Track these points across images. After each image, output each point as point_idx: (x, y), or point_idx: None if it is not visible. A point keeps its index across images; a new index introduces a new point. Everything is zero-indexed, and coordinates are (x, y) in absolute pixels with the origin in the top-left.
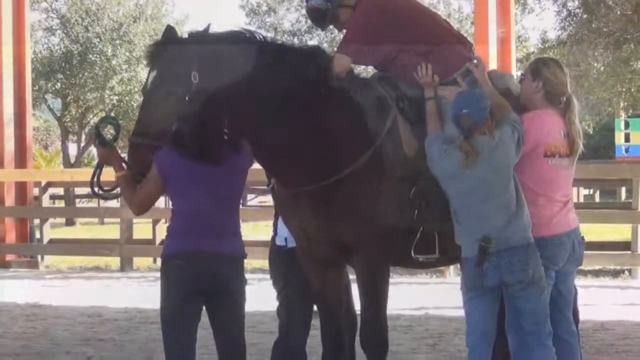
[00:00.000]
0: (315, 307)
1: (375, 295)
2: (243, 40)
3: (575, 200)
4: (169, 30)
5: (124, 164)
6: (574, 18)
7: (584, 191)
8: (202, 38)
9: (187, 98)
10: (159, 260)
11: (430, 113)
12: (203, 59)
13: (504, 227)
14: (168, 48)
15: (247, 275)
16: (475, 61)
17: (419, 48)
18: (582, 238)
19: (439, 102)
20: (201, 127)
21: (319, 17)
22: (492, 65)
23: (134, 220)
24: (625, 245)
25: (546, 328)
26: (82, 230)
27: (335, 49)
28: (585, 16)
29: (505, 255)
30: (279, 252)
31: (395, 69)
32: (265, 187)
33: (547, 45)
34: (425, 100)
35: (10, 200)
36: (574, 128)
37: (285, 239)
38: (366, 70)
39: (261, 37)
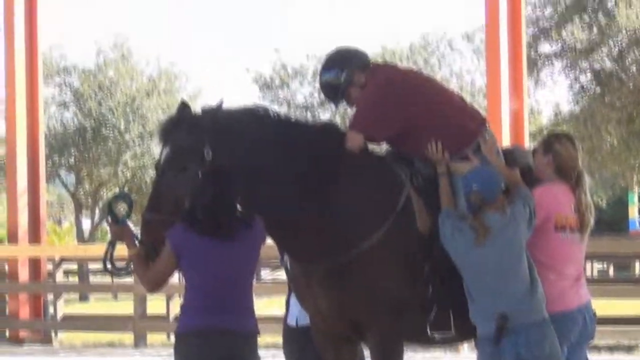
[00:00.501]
0: None
1: None
2: (256, 116)
3: (589, 274)
4: (183, 106)
5: (136, 241)
6: (587, 92)
7: (598, 265)
8: (214, 113)
9: (199, 174)
10: (172, 336)
11: (442, 189)
12: (216, 135)
13: (518, 304)
14: (181, 123)
15: (261, 352)
16: (486, 137)
17: (428, 124)
18: (594, 313)
19: (452, 178)
20: (214, 203)
21: (331, 93)
22: (505, 138)
23: (148, 296)
24: None
25: None
26: (96, 305)
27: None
28: (598, 90)
29: (521, 332)
30: (291, 330)
31: (406, 145)
32: (279, 262)
33: (559, 119)
34: (438, 175)
35: (24, 275)
36: (584, 203)
37: (297, 318)
38: (380, 146)
39: (274, 113)
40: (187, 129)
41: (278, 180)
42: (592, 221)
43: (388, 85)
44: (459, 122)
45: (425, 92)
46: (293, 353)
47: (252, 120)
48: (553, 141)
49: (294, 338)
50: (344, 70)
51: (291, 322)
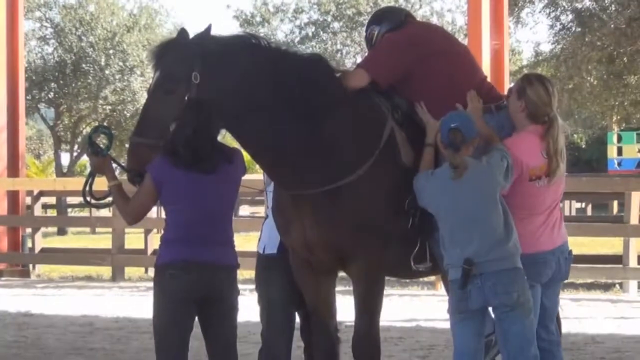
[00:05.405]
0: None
1: (371, 305)
2: (247, 44)
3: (567, 213)
4: (182, 32)
5: (117, 173)
6: (568, 32)
7: (576, 204)
8: (205, 40)
9: (186, 98)
10: (150, 270)
11: (425, 159)
12: (205, 60)
13: (487, 252)
14: (172, 48)
15: (239, 286)
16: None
17: (423, 83)
18: (570, 253)
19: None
20: (196, 133)
21: (369, 47)
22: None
23: (126, 230)
24: (617, 259)
25: (531, 352)
26: (74, 239)
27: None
28: (578, 30)
29: (489, 279)
30: (260, 257)
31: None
32: (256, 197)
33: (540, 59)
34: (425, 145)
35: (2, 209)
36: (553, 148)
37: (265, 245)
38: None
39: (265, 42)
40: (177, 53)
41: (268, 107)
42: (562, 166)
43: (406, 37)
44: (449, 93)
45: (440, 55)
46: (260, 280)
47: (243, 47)
48: (525, 86)
49: (261, 265)
50: (377, 29)
51: (259, 249)
